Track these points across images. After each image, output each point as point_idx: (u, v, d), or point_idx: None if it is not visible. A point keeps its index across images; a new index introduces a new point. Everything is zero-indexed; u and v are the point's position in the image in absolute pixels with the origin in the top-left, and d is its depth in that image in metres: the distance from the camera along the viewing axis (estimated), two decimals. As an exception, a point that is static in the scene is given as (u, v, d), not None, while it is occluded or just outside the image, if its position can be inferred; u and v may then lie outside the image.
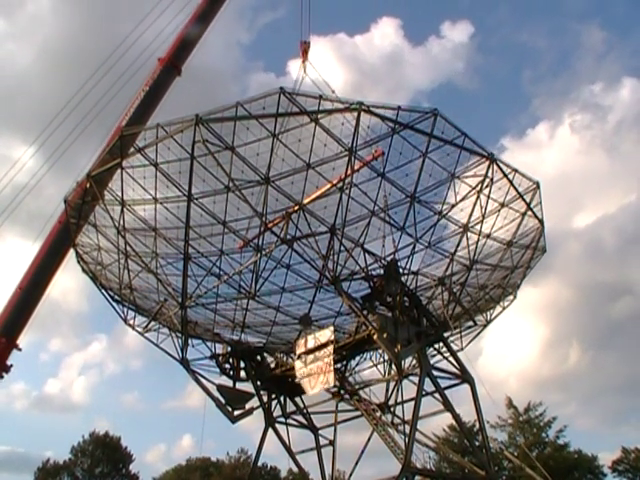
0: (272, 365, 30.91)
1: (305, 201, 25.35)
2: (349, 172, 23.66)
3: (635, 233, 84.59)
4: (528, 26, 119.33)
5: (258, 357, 30.79)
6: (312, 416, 31.65)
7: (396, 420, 28.52)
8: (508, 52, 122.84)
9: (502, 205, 27.05)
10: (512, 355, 79.33)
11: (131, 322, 28.51)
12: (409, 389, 28.05)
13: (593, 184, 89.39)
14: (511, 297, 30.74)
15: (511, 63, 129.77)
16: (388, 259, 27.12)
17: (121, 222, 25.09)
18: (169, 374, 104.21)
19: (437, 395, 26.11)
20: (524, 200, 27.00)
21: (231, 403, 27.82)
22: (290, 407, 31.10)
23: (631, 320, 77.20)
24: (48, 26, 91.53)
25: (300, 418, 31.49)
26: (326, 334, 26.02)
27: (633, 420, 78.97)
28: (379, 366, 30.67)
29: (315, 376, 25.17)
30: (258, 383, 29.87)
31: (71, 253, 29.33)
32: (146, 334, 27.98)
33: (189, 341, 27.53)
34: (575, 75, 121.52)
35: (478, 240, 27.09)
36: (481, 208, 26.19)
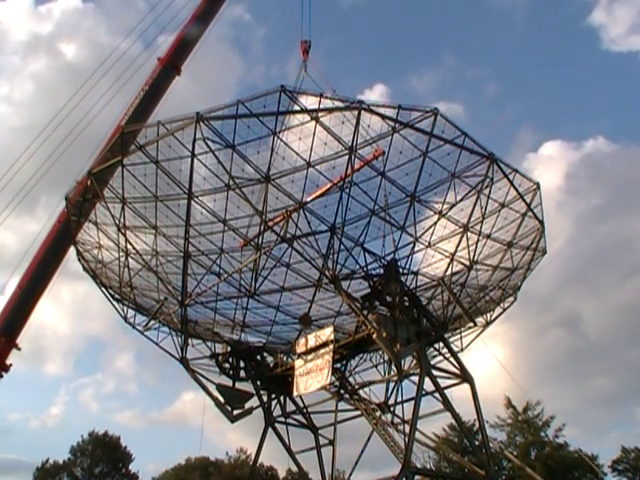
0: (272, 365, 30.90)
1: (305, 200, 25.37)
2: (349, 171, 23.67)
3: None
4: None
5: (258, 357, 30.78)
6: (312, 416, 31.65)
7: (396, 420, 28.49)
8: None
9: (502, 205, 27.01)
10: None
11: (131, 321, 28.50)
12: (409, 389, 28.12)
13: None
14: (511, 299, 30.72)
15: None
16: (388, 258, 27.12)
17: (121, 220, 25.10)
18: (163, 389, 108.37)
19: (437, 395, 26.11)
20: (524, 201, 26.93)
21: (230, 403, 27.84)
22: (290, 407, 31.12)
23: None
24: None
25: (300, 418, 31.48)
26: (326, 333, 26.05)
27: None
28: (379, 367, 30.70)
29: (312, 375, 25.19)
30: (258, 383, 29.86)
31: (71, 252, 29.42)
32: (146, 332, 27.99)
33: (189, 341, 27.59)
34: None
35: (478, 240, 27.03)
36: (481, 208, 26.13)
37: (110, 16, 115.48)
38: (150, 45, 38.51)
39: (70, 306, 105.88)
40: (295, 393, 26.61)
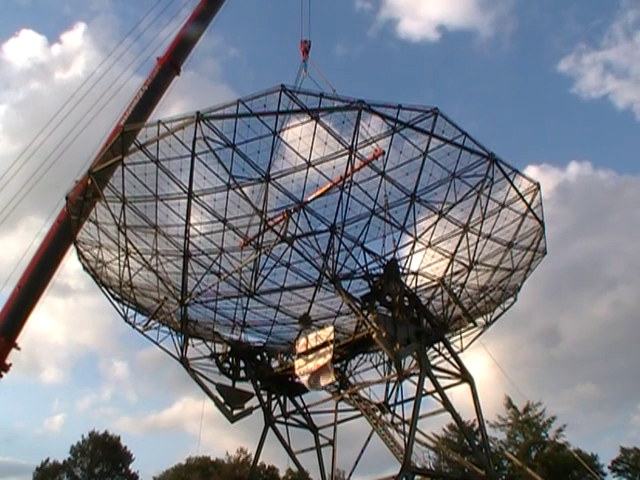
0: (272, 365, 30.88)
1: (305, 199, 25.36)
2: (349, 171, 23.66)
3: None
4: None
5: (258, 357, 30.75)
6: (312, 416, 31.62)
7: (396, 420, 28.47)
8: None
9: (502, 205, 27.04)
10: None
11: (131, 320, 28.47)
12: (409, 389, 28.12)
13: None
14: (511, 299, 30.68)
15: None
16: (388, 258, 27.11)
17: (122, 219, 25.08)
18: (159, 396, 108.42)
19: (437, 395, 26.08)
20: (524, 201, 26.97)
21: (230, 402, 27.80)
22: (290, 407, 31.09)
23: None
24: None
25: (300, 418, 31.43)
26: (326, 333, 26.08)
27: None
28: (379, 367, 30.69)
29: (315, 374, 25.22)
30: (258, 383, 29.81)
31: (70, 251, 29.40)
32: (146, 332, 27.95)
33: (189, 340, 27.57)
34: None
35: (478, 240, 27.05)
36: (481, 208, 26.15)
37: (105, 50, 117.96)
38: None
39: (64, 318, 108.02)
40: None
